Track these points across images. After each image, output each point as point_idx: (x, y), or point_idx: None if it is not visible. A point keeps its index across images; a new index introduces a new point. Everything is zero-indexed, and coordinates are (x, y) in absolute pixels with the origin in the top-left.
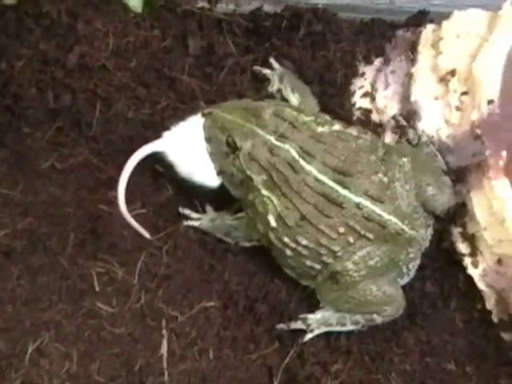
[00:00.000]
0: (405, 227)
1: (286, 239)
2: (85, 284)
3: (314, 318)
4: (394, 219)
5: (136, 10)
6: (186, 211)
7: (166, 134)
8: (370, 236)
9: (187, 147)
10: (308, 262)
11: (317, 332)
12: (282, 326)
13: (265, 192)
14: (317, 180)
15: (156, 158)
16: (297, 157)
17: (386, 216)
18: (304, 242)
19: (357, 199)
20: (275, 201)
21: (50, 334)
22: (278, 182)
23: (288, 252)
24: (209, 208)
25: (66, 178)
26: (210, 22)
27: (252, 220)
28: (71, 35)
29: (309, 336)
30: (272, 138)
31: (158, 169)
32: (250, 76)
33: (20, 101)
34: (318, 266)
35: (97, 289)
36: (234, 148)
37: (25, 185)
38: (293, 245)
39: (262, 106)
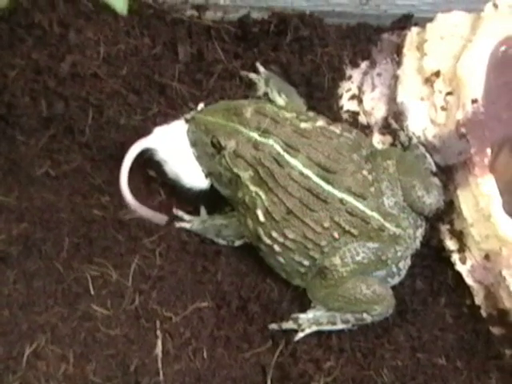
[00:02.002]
0: (387, 224)
1: (274, 234)
2: (80, 287)
3: (305, 317)
4: (377, 215)
5: (122, 12)
6: (180, 213)
7: (157, 130)
8: (354, 232)
9: (175, 149)
10: (296, 257)
11: (308, 331)
12: (274, 326)
13: (252, 188)
14: (302, 174)
15: (148, 164)
16: (281, 151)
17: (368, 212)
18: (291, 235)
19: (340, 195)
20: (263, 196)
21: (46, 337)
22: (265, 177)
23: (276, 248)
24: (203, 210)
25: (60, 184)
26: (199, 30)
27: (243, 217)
28: (63, 44)
29: (300, 335)
30: (255, 135)
31: (150, 174)
32: (239, 81)
33: (14, 109)
34: (306, 262)
35: (92, 292)
36: (219, 148)
37: (20, 191)
38: (281, 239)
39: (242, 104)
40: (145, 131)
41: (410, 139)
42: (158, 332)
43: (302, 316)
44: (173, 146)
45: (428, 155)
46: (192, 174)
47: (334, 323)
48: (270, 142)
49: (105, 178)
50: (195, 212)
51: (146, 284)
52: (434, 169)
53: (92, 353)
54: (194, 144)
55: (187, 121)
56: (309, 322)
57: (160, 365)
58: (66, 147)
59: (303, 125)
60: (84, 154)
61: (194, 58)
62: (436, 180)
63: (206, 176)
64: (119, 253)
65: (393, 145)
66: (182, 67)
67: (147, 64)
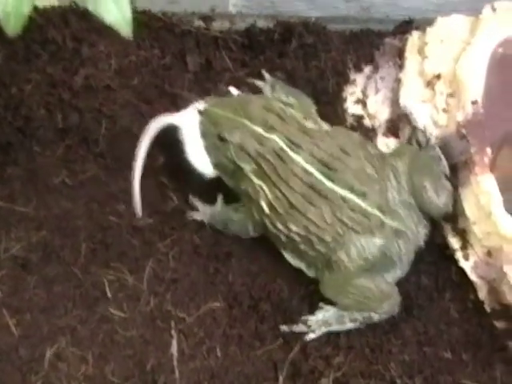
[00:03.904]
0: (388, 220)
1: (279, 225)
2: (97, 291)
3: (314, 319)
4: (378, 212)
5: (128, 36)
6: (195, 201)
7: (183, 111)
8: (357, 228)
9: (196, 131)
10: (302, 247)
11: (318, 333)
12: (284, 328)
13: (256, 181)
14: (304, 170)
15: (161, 171)
16: (284, 147)
17: (369, 209)
18: (294, 228)
19: (342, 192)
20: (266, 189)
21: (66, 339)
22: (268, 172)
23: (282, 237)
24: (219, 199)
25: (77, 193)
26: (207, 40)
27: (248, 208)
28: (76, 58)
29: (311, 336)
30: (260, 130)
31: (163, 181)
32: (247, 88)
33: (30, 122)
34: (311, 253)
35: (109, 295)
36: (224, 140)
37: (38, 201)
38: (285, 231)
39: (251, 99)
40: (157, 139)
41: (428, 140)
42: (173, 332)
43: (312, 318)
44: (193, 130)
45: (443, 158)
46: (203, 161)
47: (342, 323)
48: (274, 137)
49: (119, 185)
50: (211, 202)
51: (160, 286)
52: (448, 172)
53: (110, 354)
54: (203, 135)
55: (199, 112)
56: (318, 323)
57: (175, 363)
58: (82, 157)
59: (309, 125)
60: (99, 163)
61: (203, 68)
62: (448, 184)
63: (214, 167)
64: (134, 257)
65: (408, 144)
66: (191, 77)
67: (158, 74)
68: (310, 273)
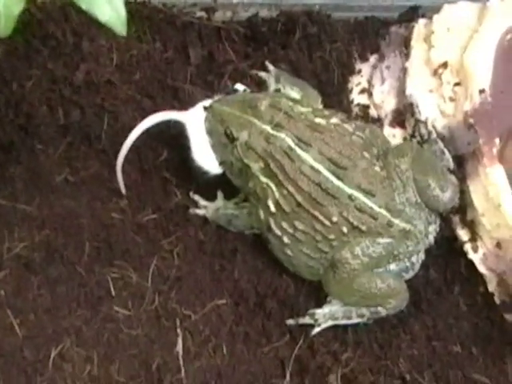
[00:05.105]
0: (395, 220)
1: (284, 224)
2: (102, 290)
3: (321, 312)
4: (385, 212)
5: (121, 33)
6: (196, 197)
7: (190, 110)
8: (363, 227)
9: (201, 128)
10: (304, 249)
11: (324, 326)
12: (291, 321)
13: (263, 179)
14: (312, 168)
15: (164, 166)
16: (293, 145)
17: (376, 208)
18: (300, 227)
19: (349, 191)
20: (273, 187)
21: (71, 339)
22: (275, 170)
23: (286, 239)
24: (220, 195)
25: (79, 190)
26: (209, 32)
27: (254, 207)
28: (77, 53)
29: (317, 330)
30: (268, 128)
31: (166, 176)
32: (250, 80)
33: (32, 119)
34: (314, 255)
35: (113, 294)
36: (232, 138)
37: (40, 199)
38: (291, 230)
39: (258, 97)
40: (160, 135)
41: (430, 133)
42: (179, 330)
43: (318, 311)
44: (198, 127)
45: (446, 151)
46: (209, 158)
47: (349, 317)
48: (282, 135)
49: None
50: (213, 198)
51: (165, 284)
52: (452, 166)
53: (115, 353)
54: (209, 132)
55: (205, 109)
56: (325, 317)
57: (181, 362)
58: (84, 154)
59: (317, 120)
60: (101, 159)
61: (205, 60)
62: (452, 178)
63: (220, 164)
64: (138, 255)
65: (412, 137)
66: (193, 70)
67: (159, 68)
68: (303, 275)
